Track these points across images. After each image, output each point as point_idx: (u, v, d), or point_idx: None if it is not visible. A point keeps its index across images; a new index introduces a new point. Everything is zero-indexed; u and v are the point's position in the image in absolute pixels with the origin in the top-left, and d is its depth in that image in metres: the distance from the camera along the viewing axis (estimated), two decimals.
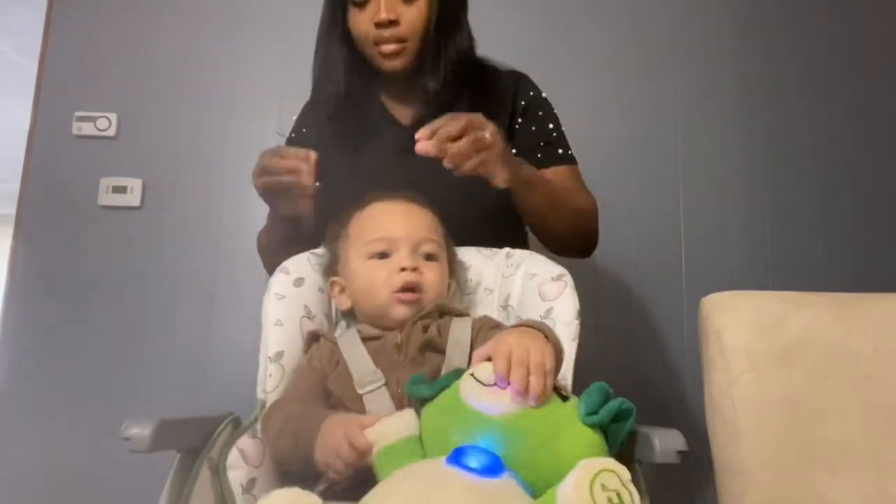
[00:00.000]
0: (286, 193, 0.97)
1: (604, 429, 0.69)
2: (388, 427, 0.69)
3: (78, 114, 1.78)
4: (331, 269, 0.97)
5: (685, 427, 0.73)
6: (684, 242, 1.74)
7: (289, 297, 0.95)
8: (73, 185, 1.76)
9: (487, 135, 0.91)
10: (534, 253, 1.02)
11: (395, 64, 1.11)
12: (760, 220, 1.76)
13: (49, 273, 1.73)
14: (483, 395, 0.67)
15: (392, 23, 1.07)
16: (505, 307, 1.00)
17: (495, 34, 1.82)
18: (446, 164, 0.90)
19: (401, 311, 0.88)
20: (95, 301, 1.72)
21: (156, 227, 1.75)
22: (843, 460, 0.97)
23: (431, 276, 0.90)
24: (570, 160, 1.19)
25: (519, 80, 1.23)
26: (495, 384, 0.68)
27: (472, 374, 0.70)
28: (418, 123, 0.99)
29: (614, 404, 0.67)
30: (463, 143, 0.90)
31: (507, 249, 1.04)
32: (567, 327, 0.88)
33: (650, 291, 1.71)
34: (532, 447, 0.65)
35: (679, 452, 0.69)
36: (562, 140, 1.21)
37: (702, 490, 1.07)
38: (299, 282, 0.97)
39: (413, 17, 1.09)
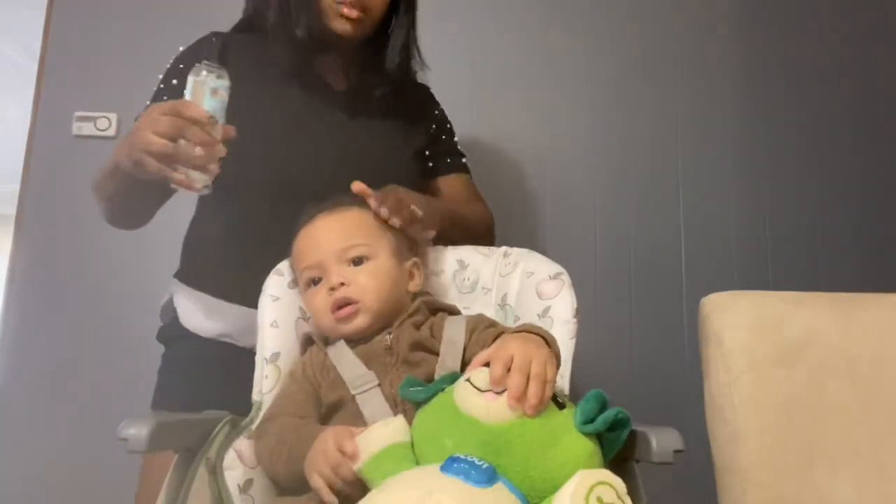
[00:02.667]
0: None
1: (600, 437, 0.68)
2: (373, 435, 0.68)
3: (78, 114, 1.78)
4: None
5: (685, 427, 0.73)
6: (684, 242, 1.74)
7: (284, 298, 0.94)
8: (73, 185, 1.76)
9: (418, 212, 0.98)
10: (531, 251, 1.01)
11: (349, 29, 1.10)
12: (760, 220, 1.76)
13: (49, 273, 1.73)
14: (478, 401, 0.66)
15: None
16: (503, 306, 0.99)
17: (494, 34, 1.83)
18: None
19: (345, 329, 0.87)
20: (95, 301, 1.71)
21: (155, 227, 1.75)
22: (843, 460, 0.97)
23: (363, 279, 0.88)
24: (468, 169, 1.32)
25: (428, 91, 1.32)
26: (491, 390, 0.66)
27: (468, 380, 0.68)
28: (353, 91, 1.16)
29: (611, 413, 0.67)
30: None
31: (504, 248, 1.04)
32: (565, 326, 0.88)
33: (650, 291, 1.71)
34: (527, 456, 0.64)
35: (676, 451, 0.69)
36: (461, 151, 1.33)
37: (702, 490, 1.06)
38: (294, 284, 0.96)
39: None
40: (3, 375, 1.68)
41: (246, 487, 0.79)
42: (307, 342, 0.92)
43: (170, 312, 1.16)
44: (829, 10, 1.88)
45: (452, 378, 0.72)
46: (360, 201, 0.95)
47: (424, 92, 1.32)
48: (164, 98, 1.09)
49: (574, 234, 1.74)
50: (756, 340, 1.02)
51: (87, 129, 1.78)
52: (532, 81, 1.81)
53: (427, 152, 1.25)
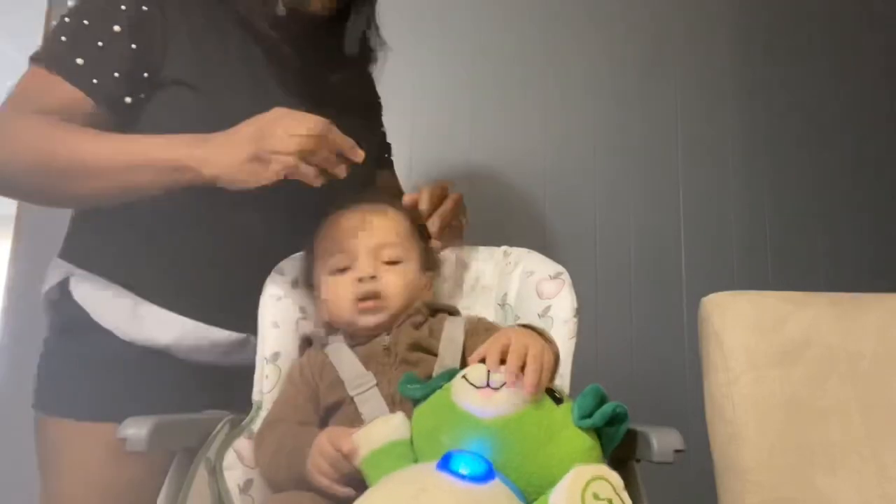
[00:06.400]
0: None
1: (598, 432, 0.68)
2: (374, 431, 0.68)
3: None
4: (308, 282, 0.97)
5: (685, 427, 0.73)
6: (684, 242, 1.74)
7: (285, 298, 0.94)
8: None
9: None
10: (531, 251, 1.01)
11: (329, 4, 1.01)
12: (760, 220, 1.76)
13: None
14: (474, 397, 0.66)
15: None
16: (503, 305, 0.99)
17: (494, 36, 1.83)
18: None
19: (366, 320, 0.87)
20: None
21: None
22: (843, 460, 0.97)
23: (393, 279, 0.89)
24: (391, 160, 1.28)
25: (373, 82, 1.24)
26: (487, 386, 0.66)
27: (464, 376, 0.68)
28: (314, 75, 1.02)
29: (609, 408, 0.66)
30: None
31: (504, 247, 1.04)
32: (565, 325, 0.88)
33: (650, 291, 1.71)
34: (524, 451, 0.64)
35: (676, 451, 0.69)
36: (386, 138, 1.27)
37: (702, 490, 1.06)
38: (296, 283, 0.96)
39: None
40: (3, 375, 1.68)
41: (246, 487, 0.79)
42: (305, 343, 0.92)
43: (62, 303, 0.98)
44: (830, 10, 1.88)
45: (450, 375, 0.72)
46: (396, 204, 0.97)
47: (373, 85, 1.24)
48: (98, 45, 0.89)
49: (574, 234, 1.74)
50: (756, 340, 1.02)
51: None
52: (532, 81, 1.81)
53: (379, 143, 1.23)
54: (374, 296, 0.87)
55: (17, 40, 2.56)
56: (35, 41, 1.86)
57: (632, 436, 0.72)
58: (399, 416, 0.71)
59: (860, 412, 0.99)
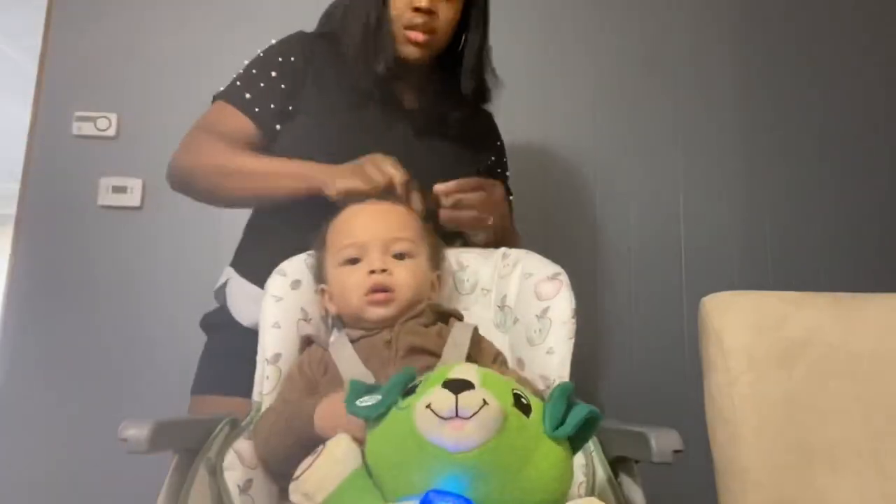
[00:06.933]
0: None
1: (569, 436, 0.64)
2: (323, 472, 0.65)
3: (78, 114, 1.79)
4: (319, 276, 0.98)
5: (685, 427, 0.73)
6: (684, 242, 1.74)
7: (286, 299, 0.95)
8: (73, 184, 1.76)
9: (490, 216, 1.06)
10: (530, 252, 1.02)
11: (416, 53, 1.13)
12: (760, 220, 1.76)
13: (49, 273, 1.73)
14: (444, 430, 0.60)
15: (430, 13, 1.11)
16: (502, 307, 0.99)
17: (495, 35, 1.83)
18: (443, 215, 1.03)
19: (374, 313, 0.89)
20: (95, 301, 1.72)
21: (156, 227, 1.75)
22: (843, 460, 0.97)
23: (403, 273, 0.90)
24: (511, 208, 1.32)
25: (492, 121, 1.35)
26: (456, 416, 0.60)
27: (428, 406, 0.61)
28: (423, 110, 1.20)
29: (580, 413, 0.63)
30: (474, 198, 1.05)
31: (503, 249, 1.05)
32: (563, 326, 0.89)
33: (650, 291, 1.71)
34: (503, 480, 0.60)
35: (675, 452, 0.69)
36: (509, 188, 1.34)
37: (702, 490, 1.06)
38: (296, 284, 0.97)
39: (448, 16, 1.14)
40: (3, 375, 1.68)
41: (246, 488, 0.79)
42: (305, 344, 0.92)
43: (221, 298, 1.19)
44: (829, 10, 1.88)
45: (405, 380, 0.66)
46: (407, 201, 0.99)
47: (489, 121, 1.34)
48: (261, 85, 1.16)
49: (574, 234, 1.74)
50: (756, 340, 1.02)
51: (87, 128, 1.78)
52: (532, 82, 1.81)
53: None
54: (385, 288, 0.88)
55: (17, 40, 2.57)
56: (35, 41, 1.88)
57: (631, 436, 0.72)
58: (342, 445, 0.67)
59: (860, 412, 0.99)
